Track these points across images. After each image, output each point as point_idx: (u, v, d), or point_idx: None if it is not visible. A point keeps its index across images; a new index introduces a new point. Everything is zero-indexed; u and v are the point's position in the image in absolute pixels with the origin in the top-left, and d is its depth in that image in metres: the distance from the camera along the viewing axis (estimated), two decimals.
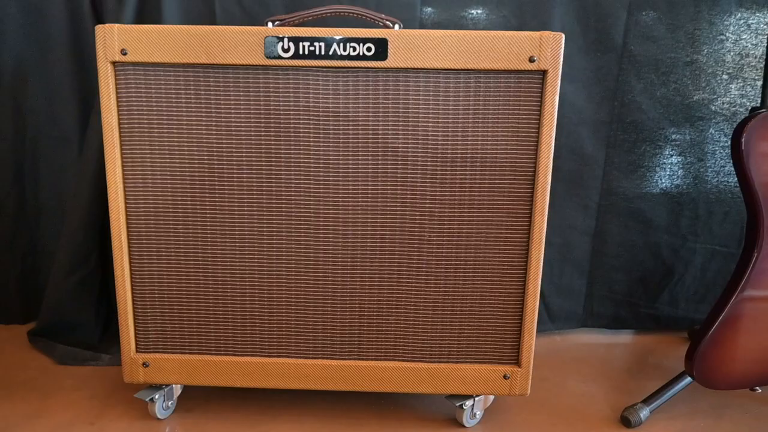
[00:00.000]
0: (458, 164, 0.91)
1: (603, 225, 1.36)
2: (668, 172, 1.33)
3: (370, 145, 0.91)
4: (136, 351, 1.00)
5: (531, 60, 0.86)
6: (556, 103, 0.87)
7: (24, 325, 1.36)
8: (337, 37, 0.86)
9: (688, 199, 1.35)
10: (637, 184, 1.34)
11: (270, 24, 0.96)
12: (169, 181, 0.93)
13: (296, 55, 0.87)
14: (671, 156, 1.32)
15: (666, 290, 1.40)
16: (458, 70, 0.87)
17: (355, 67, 0.88)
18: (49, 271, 1.28)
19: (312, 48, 0.87)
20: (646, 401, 1.08)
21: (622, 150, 1.31)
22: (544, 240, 0.93)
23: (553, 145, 0.89)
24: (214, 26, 0.89)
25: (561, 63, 0.86)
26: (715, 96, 1.28)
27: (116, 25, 0.88)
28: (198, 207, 0.94)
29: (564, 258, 1.37)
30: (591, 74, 1.26)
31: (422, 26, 1.22)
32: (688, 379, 1.07)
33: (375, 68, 0.88)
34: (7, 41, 1.23)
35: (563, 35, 0.85)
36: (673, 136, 1.31)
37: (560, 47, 0.85)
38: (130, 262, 0.96)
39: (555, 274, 1.38)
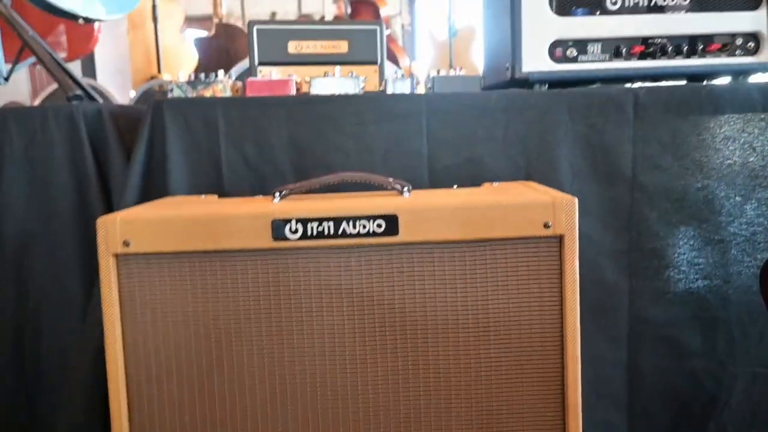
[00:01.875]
0: (482, 334, 0.86)
1: (635, 355, 1.29)
2: (695, 297, 1.28)
3: (386, 320, 0.87)
4: None
5: (546, 226, 0.83)
6: (577, 266, 0.84)
7: None
8: (347, 216, 0.84)
9: (720, 322, 1.28)
10: (665, 309, 1.28)
11: (277, 195, 0.95)
12: (174, 370, 0.88)
13: (305, 236, 0.85)
14: (696, 280, 1.27)
15: (712, 419, 1.30)
16: (471, 241, 0.84)
17: (366, 245, 0.85)
18: None
19: (321, 229, 0.84)
20: None
21: (645, 278, 1.27)
22: (580, 408, 0.86)
23: (578, 307, 0.86)
24: (219, 212, 0.87)
25: (577, 227, 0.83)
26: (732, 218, 1.26)
27: (118, 215, 0.86)
28: (206, 396, 0.89)
29: (599, 393, 1.29)
30: (605, 206, 1.24)
31: (431, 172, 1.20)
32: None
33: (387, 244, 0.85)
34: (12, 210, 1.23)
35: (576, 200, 0.83)
36: (696, 261, 1.27)
37: (575, 212, 0.83)
38: None
39: (589, 408, 1.29)
